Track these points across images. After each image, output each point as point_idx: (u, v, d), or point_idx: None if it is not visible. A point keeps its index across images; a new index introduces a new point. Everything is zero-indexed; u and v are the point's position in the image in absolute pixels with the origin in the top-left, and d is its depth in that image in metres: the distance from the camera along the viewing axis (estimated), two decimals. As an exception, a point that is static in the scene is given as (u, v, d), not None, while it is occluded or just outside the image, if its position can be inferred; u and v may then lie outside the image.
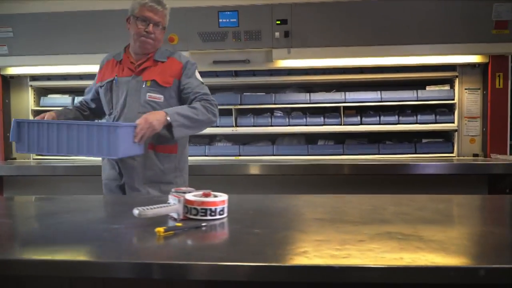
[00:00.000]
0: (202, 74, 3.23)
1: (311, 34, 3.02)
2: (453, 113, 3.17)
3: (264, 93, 3.33)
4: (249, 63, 3.14)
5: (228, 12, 3.00)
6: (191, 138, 3.54)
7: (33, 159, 3.49)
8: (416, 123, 3.18)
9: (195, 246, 1.05)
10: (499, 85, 3.03)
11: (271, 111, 3.37)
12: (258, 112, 3.38)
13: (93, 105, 2.19)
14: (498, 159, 2.94)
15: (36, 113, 3.49)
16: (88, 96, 2.20)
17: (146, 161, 2.00)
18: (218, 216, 1.26)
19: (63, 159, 3.37)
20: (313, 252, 0.91)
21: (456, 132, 3.16)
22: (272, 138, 3.47)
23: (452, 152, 3.18)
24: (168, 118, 1.86)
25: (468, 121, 3.16)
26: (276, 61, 3.12)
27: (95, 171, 2.99)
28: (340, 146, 3.26)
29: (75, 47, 3.21)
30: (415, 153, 3.19)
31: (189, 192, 1.32)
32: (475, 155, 3.15)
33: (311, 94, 3.27)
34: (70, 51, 3.22)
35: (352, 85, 3.41)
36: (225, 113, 3.30)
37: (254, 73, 3.26)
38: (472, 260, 0.86)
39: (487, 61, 3.05)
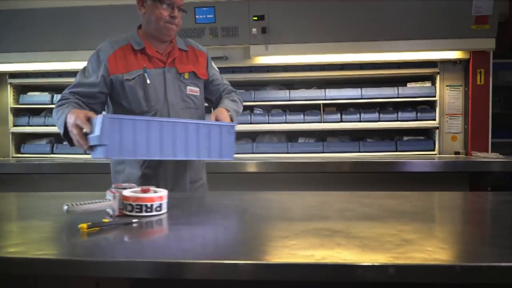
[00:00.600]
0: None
1: (288, 30, 2.98)
2: (435, 110, 3.12)
3: (243, 90, 3.29)
4: (227, 59, 3.11)
5: (205, 8, 2.97)
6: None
7: (13, 156, 3.48)
8: (397, 120, 3.13)
9: (112, 242, 1.01)
10: (480, 82, 2.98)
11: (251, 108, 3.33)
12: (238, 110, 3.34)
13: (93, 101, 1.79)
14: (479, 156, 2.89)
15: (15, 111, 3.48)
16: (91, 90, 1.76)
17: (191, 160, 1.86)
18: (154, 213, 1.23)
19: (43, 157, 3.36)
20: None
21: (437, 130, 3.11)
22: (253, 136, 3.44)
23: (434, 150, 3.13)
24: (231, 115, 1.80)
25: (450, 118, 3.11)
26: (254, 58, 3.08)
27: (78, 169, 3.01)
28: (321, 144, 3.22)
29: (54, 44, 3.19)
30: (396, 150, 3.14)
31: (130, 188, 1.29)
32: (457, 152, 3.10)
33: (291, 91, 3.23)
34: (49, 48, 3.20)
35: (333, 82, 3.36)
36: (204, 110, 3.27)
37: (233, 70, 3.23)
38: (385, 257, 0.82)
39: (468, 57, 2.99)
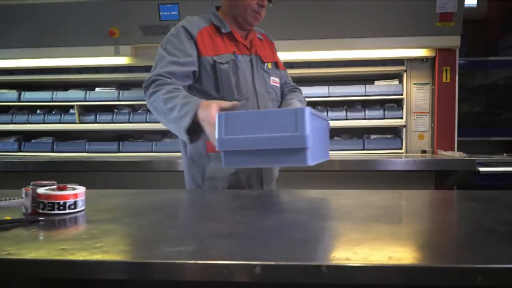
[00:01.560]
0: (146, 69, 3.24)
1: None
2: (402, 109, 3.11)
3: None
4: (193, 57, 3.08)
5: (169, 5, 2.94)
6: (142, 135, 3.53)
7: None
8: (365, 118, 3.12)
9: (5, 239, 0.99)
10: (447, 80, 2.97)
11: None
12: (206, 108, 3.32)
13: (185, 84, 1.59)
14: (443, 155, 2.87)
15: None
16: (187, 69, 1.56)
17: None
18: (68, 210, 1.20)
19: (10, 155, 3.33)
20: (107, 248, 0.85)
21: (404, 128, 3.09)
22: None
23: (401, 148, 3.11)
24: None
25: (417, 116, 3.10)
26: (220, 55, 3.05)
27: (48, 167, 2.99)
28: (288, 142, 3.19)
29: (22, 41, 3.16)
30: (364, 149, 3.12)
31: (50, 186, 1.27)
32: (423, 151, 3.08)
33: (259, 89, 3.20)
34: (16, 45, 3.17)
35: (299, 80, 3.32)
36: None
37: (200, 67, 3.20)
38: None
39: (434, 55, 2.98)
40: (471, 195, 1.45)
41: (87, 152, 3.31)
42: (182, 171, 3.02)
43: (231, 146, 1.17)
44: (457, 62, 2.95)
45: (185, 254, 0.80)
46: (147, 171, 3.12)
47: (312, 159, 1.19)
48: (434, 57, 3.00)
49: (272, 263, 0.74)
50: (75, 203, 1.23)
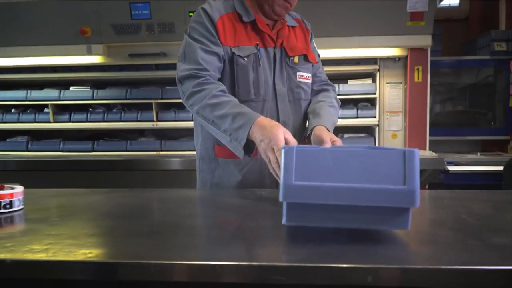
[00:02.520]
0: (121, 68, 3.23)
1: (226, 26, 2.96)
2: (375, 108, 3.11)
3: (186, 87, 3.26)
4: (166, 56, 3.08)
5: (140, 4, 2.94)
6: (118, 134, 3.52)
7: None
8: (339, 117, 3.11)
9: None
10: (418, 79, 2.97)
11: (193, 105, 3.30)
12: (180, 106, 3.32)
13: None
14: (414, 154, 2.87)
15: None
16: (219, 63, 1.43)
17: None
18: (3, 210, 1.20)
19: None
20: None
21: (378, 127, 3.10)
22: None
23: (375, 148, 3.11)
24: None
25: (390, 116, 3.10)
26: (192, 54, 3.05)
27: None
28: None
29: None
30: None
31: None
32: (396, 150, 3.08)
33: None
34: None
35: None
36: (146, 107, 3.25)
37: (175, 66, 3.18)
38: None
39: (406, 54, 2.98)
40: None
41: (62, 151, 3.30)
42: (158, 170, 3.06)
43: (302, 196, 0.81)
44: (429, 61, 2.96)
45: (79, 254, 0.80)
46: (122, 170, 3.12)
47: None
48: (406, 56, 3.00)
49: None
50: (10, 203, 1.22)
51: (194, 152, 3.15)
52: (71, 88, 3.34)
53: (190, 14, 2.92)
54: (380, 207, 0.80)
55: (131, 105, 3.37)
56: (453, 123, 3.54)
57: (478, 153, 3.25)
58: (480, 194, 1.42)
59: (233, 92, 1.45)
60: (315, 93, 1.65)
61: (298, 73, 1.54)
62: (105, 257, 0.80)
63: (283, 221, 0.85)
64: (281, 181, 0.82)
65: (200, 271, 0.73)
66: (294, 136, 1.27)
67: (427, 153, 2.82)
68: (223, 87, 1.39)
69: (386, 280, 0.71)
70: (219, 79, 1.46)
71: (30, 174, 3.23)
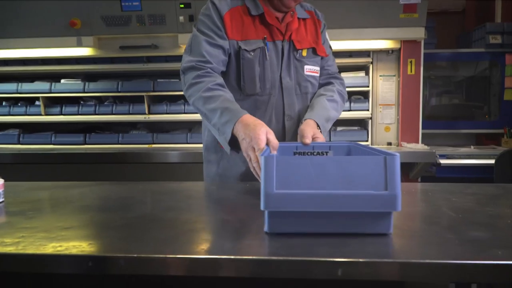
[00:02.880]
0: (112, 60, 3.20)
1: (217, 18, 2.93)
2: (368, 101, 3.09)
3: (178, 80, 3.24)
4: (157, 48, 3.05)
5: (131, -5, 2.91)
6: (111, 127, 3.51)
7: None
8: (331, 110, 3.09)
9: None
10: (411, 72, 2.95)
11: (185, 98, 3.27)
12: (173, 99, 3.30)
13: (219, 71, 1.46)
14: (406, 147, 2.87)
15: None
16: (224, 57, 1.45)
17: None
18: (-20, 202, 1.20)
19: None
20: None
21: (370, 120, 3.08)
22: (190, 126, 3.40)
23: (367, 140, 3.10)
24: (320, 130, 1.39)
25: (383, 108, 3.08)
26: (184, 46, 3.01)
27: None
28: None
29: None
30: (330, 141, 3.10)
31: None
32: (389, 143, 3.08)
33: (225, 80, 3.17)
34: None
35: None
36: (138, 100, 3.23)
37: (166, 59, 3.17)
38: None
39: (399, 46, 2.96)
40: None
41: (53, 144, 3.29)
42: (150, 163, 3.04)
43: (283, 205, 0.80)
44: (422, 54, 2.93)
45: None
46: (114, 163, 3.11)
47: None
48: (400, 49, 2.98)
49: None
50: (-12, 195, 1.21)
51: (186, 145, 3.18)
52: (62, 80, 3.31)
53: (181, 6, 2.89)
54: (363, 212, 0.81)
55: (122, 98, 3.35)
56: (447, 116, 3.52)
57: (472, 147, 3.24)
58: (466, 187, 1.41)
59: (239, 86, 1.47)
60: (320, 86, 1.64)
61: (305, 67, 1.53)
62: (74, 250, 0.79)
63: (265, 229, 0.85)
64: (262, 190, 0.81)
65: (164, 264, 0.72)
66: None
67: (419, 146, 2.81)
68: (220, 81, 1.39)
69: (355, 274, 0.70)
70: (225, 73, 1.47)
71: (22, 167, 3.21)
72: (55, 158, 3.06)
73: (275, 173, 0.80)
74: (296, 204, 0.80)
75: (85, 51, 3.07)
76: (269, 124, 1.47)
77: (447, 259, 0.69)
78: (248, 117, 1.25)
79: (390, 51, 3.01)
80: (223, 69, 1.46)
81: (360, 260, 0.69)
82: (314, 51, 1.56)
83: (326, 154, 1.20)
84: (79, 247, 0.81)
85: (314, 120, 1.41)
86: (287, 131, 1.53)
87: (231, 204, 1.16)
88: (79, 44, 2.97)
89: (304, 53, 1.52)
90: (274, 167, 0.80)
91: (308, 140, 1.24)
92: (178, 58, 3.16)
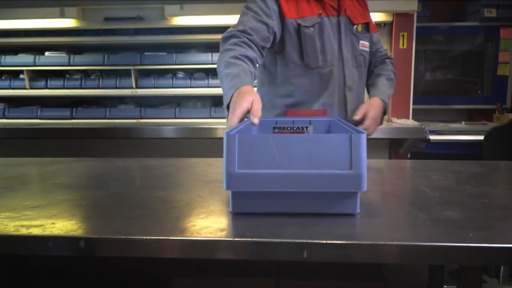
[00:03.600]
0: (97, 32, 3.12)
1: (205, -12, 2.84)
2: (359, 75, 3.03)
3: (165, 53, 3.17)
4: (143, 20, 2.97)
5: (115, -36, 2.80)
6: (99, 101, 3.45)
7: None
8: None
9: None
10: (403, 46, 2.89)
11: (174, 72, 3.22)
12: (160, 73, 3.23)
13: (263, 48, 1.49)
14: (396, 123, 2.84)
15: None
16: (267, 34, 1.47)
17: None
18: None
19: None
20: None
21: (361, 95, 3.03)
22: (178, 101, 3.34)
23: (357, 116, 3.06)
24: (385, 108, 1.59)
25: (374, 83, 3.03)
26: (171, 18, 2.94)
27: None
28: (244, 109, 3.13)
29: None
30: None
31: None
32: (379, 119, 3.04)
33: (213, 54, 3.11)
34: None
35: (257, 45, 3.23)
36: (125, 74, 3.16)
37: (153, 31, 3.09)
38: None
39: (391, 19, 2.89)
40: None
41: (39, 118, 3.23)
42: (137, 138, 3.01)
43: (245, 185, 0.78)
44: (415, 27, 2.87)
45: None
46: (101, 138, 3.08)
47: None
48: (392, 22, 2.90)
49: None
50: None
51: (175, 120, 3.13)
52: (46, 53, 3.23)
53: (166, -25, 2.79)
54: (328, 192, 0.78)
55: (109, 72, 3.28)
56: (439, 92, 3.48)
57: (463, 122, 3.21)
58: (449, 164, 1.39)
59: (302, 61, 1.54)
60: (376, 65, 1.76)
61: (360, 41, 1.61)
62: (35, 231, 0.76)
63: (230, 209, 0.83)
64: (223, 169, 0.78)
65: (122, 246, 0.70)
66: (356, 101, 1.57)
67: (409, 122, 2.78)
68: (251, 54, 1.38)
69: (321, 256, 0.68)
70: (287, 52, 1.53)
71: (7, 142, 3.17)
72: (42, 133, 3.02)
73: (237, 152, 0.78)
74: (258, 184, 0.77)
75: (69, 23, 2.98)
76: (332, 95, 1.57)
77: (413, 240, 0.67)
78: (247, 88, 1.22)
79: (382, 24, 2.94)
80: (264, 45, 1.47)
81: (325, 242, 0.67)
82: (367, 27, 1.64)
83: (306, 129, 1.17)
84: (41, 227, 0.78)
85: (381, 98, 1.59)
86: (348, 102, 1.62)
87: (208, 182, 1.14)
88: (62, 15, 2.88)
89: (359, 28, 1.61)
90: (236, 146, 0.78)
91: (357, 117, 1.44)
92: (165, 31, 3.11)
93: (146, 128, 2.90)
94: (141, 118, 3.19)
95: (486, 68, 3.47)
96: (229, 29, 1.46)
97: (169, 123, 3.08)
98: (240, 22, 1.47)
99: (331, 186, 0.77)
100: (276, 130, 1.15)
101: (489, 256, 0.65)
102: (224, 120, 3.08)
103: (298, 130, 1.15)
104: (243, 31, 1.42)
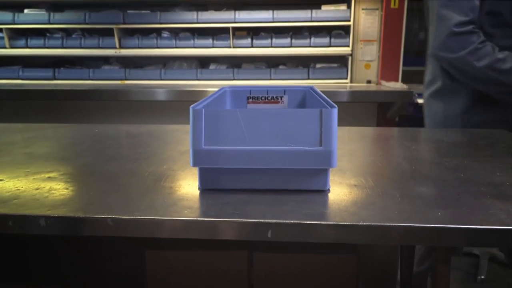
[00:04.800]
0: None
1: None
2: (349, 36, 2.95)
3: (149, 11, 3.05)
4: (126, -24, 2.83)
5: None
6: (83, 61, 3.35)
7: None
8: (310, 46, 2.97)
9: None
10: (394, 5, 2.80)
11: (158, 31, 3.11)
12: (144, 33, 3.13)
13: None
14: (385, 86, 2.80)
15: None
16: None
17: None
18: None
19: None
20: None
21: (350, 57, 2.97)
22: (164, 61, 3.26)
23: (346, 78, 3.01)
24: None
25: (364, 45, 2.96)
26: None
27: None
28: (231, 71, 3.07)
29: None
30: (308, 78, 3.02)
31: None
32: (368, 81, 3.00)
33: (200, 13, 2.99)
34: None
35: (244, 4, 3.12)
36: (108, 33, 3.05)
37: (135, -13, 2.96)
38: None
39: (383, -23, 2.78)
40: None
41: (21, 79, 3.15)
42: (123, 100, 2.94)
43: (212, 161, 0.76)
44: (407, -15, 2.77)
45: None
46: (85, 100, 3.01)
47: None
48: (384, -20, 2.80)
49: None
50: None
51: (160, 82, 3.06)
52: (25, 10, 3.10)
53: None
54: (297, 168, 0.77)
55: (91, 31, 3.17)
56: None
57: (453, 85, 3.16)
58: (432, 133, 1.37)
59: None
60: None
61: None
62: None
63: (199, 186, 0.81)
64: (190, 145, 0.76)
65: (80, 224, 0.68)
66: None
67: (398, 85, 2.74)
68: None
69: (285, 236, 0.67)
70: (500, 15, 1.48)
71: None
72: (24, 94, 2.94)
73: (203, 127, 0.75)
74: (226, 161, 0.75)
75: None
76: None
77: (380, 221, 0.65)
78: None
79: (374, -18, 2.83)
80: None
81: (289, 221, 0.66)
82: None
83: (281, 99, 1.14)
84: (1, 203, 0.76)
85: None
86: None
87: (184, 152, 1.11)
88: (39, -30, 2.73)
89: None
90: (203, 121, 0.75)
91: None
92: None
93: (131, 90, 2.82)
94: (126, 79, 3.11)
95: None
96: (454, 18, 1.42)
97: (154, 85, 3.01)
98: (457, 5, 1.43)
99: (300, 163, 0.75)
100: (250, 100, 1.12)
101: (455, 238, 0.64)
102: (211, 82, 3.04)
103: (272, 100, 1.12)
104: (471, 21, 1.42)
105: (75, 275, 1.09)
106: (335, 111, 0.74)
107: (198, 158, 0.76)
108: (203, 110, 0.75)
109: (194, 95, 2.78)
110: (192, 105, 0.77)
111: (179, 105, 2.95)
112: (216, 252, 0.96)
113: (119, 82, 3.11)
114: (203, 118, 0.75)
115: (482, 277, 2.13)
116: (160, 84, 3.04)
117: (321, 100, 0.89)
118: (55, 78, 3.13)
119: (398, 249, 1.10)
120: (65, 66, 3.20)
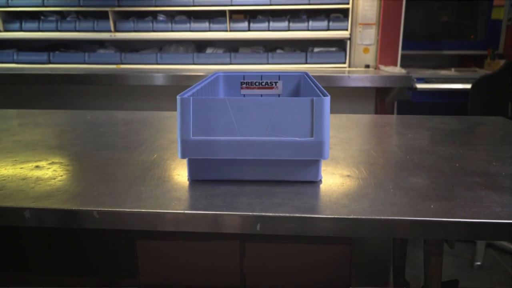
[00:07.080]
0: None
1: None
2: (348, 20, 2.90)
3: (144, -6, 2.99)
4: (120, -42, 2.76)
5: None
6: (79, 45, 3.30)
7: None
8: (308, 30, 2.92)
9: None
10: (394, -12, 2.74)
11: (154, 14, 3.06)
12: (140, 16, 3.07)
13: None
14: (383, 71, 2.76)
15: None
16: None
17: None
18: None
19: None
20: None
21: (349, 41, 2.92)
22: (160, 45, 3.21)
23: (345, 63, 2.97)
24: None
25: (363, 28, 2.91)
26: (148, -45, 2.74)
27: None
28: (228, 55, 3.02)
29: None
30: (306, 63, 2.98)
31: None
32: (367, 66, 2.96)
33: (196, -5, 2.94)
34: None
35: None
36: (103, 16, 3.00)
37: (130, -31, 2.89)
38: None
39: (382, -42, 2.72)
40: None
41: (16, 62, 3.11)
42: (119, 85, 2.91)
43: (201, 152, 0.74)
44: (408, -33, 2.70)
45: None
46: (80, 84, 2.97)
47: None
48: (384, -38, 2.74)
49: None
50: None
51: (156, 66, 3.02)
52: (18, -7, 3.04)
53: None
54: (288, 159, 0.74)
55: (86, 13, 3.11)
56: (430, 36, 3.36)
57: (453, 69, 3.13)
58: (427, 120, 1.35)
59: None
60: None
61: None
62: None
63: (188, 177, 0.80)
64: (178, 136, 0.74)
65: (65, 217, 0.67)
66: None
67: (397, 70, 2.70)
68: None
69: (274, 229, 0.65)
70: None
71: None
72: (18, 78, 2.90)
73: (192, 117, 0.72)
74: (215, 152, 0.73)
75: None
76: None
77: (371, 214, 0.64)
78: None
79: (373, -36, 2.77)
80: None
81: (278, 215, 0.64)
82: None
83: (275, 85, 1.12)
84: None
85: None
86: None
87: (175, 141, 1.09)
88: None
89: None
90: (191, 111, 0.72)
91: None
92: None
93: (127, 74, 2.78)
94: (121, 64, 3.07)
95: (480, 11, 3.33)
96: None
97: (150, 69, 2.97)
98: None
99: (290, 154, 0.73)
100: (244, 86, 1.10)
101: (446, 232, 0.62)
102: (208, 66, 3.00)
103: (266, 86, 1.09)
104: None
105: (67, 264, 1.08)
106: (327, 100, 0.72)
107: (186, 149, 0.74)
108: (191, 99, 0.73)
109: (191, 80, 2.74)
110: (180, 93, 0.75)
111: (175, 90, 2.90)
112: (208, 243, 0.96)
113: (114, 66, 3.07)
114: (191, 108, 0.72)
115: (479, 263, 2.13)
116: (156, 69, 3.00)
117: (315, 87, 0.87)
118: (50, 62, 3.09)
119: (391, 240, 1.10)
120: (60, 50, 3.15)
